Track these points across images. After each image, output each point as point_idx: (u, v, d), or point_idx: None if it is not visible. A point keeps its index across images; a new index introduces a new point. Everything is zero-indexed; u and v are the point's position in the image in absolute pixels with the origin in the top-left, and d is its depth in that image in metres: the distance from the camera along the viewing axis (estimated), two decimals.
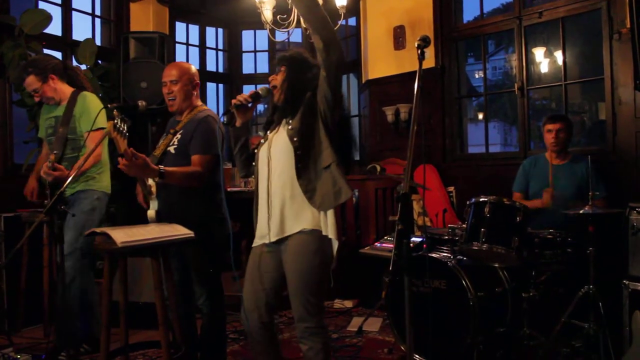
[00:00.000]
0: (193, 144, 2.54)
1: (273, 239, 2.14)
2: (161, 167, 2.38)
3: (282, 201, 2.11)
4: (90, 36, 4.97)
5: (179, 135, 2.60)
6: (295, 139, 2.10)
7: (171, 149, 2.60)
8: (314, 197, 2.08)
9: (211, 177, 2.57)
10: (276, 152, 2.16)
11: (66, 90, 3.26)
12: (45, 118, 3.32)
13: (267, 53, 6.96)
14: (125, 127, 2.26)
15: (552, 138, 3.53)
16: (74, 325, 3.15)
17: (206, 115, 2.60)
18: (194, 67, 2.77)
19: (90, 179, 3.21)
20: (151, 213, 2.55)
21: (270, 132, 2.25)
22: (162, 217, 2.56)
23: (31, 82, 3.17)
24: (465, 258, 3.09)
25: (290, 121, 2.16)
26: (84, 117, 3.15)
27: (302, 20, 4.60)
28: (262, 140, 2.27)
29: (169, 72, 2.66)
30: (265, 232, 2.18)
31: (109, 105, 3.11)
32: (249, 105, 2.27)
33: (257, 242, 2.26)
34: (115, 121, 2.23)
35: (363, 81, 5.83)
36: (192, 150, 2.54)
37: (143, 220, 2.58)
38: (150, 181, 2.55)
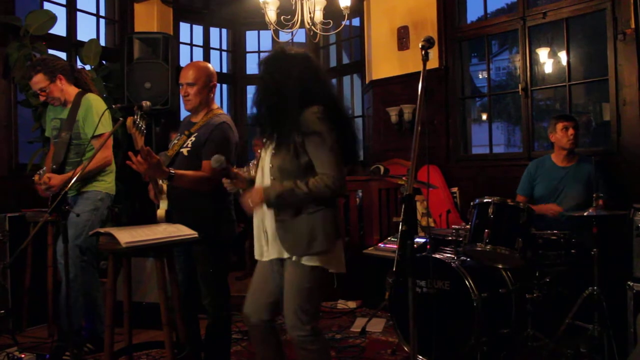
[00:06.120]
0: (206, 149, 2.53)
1: (270, 257, 2.12)
2: (171, 170, 2.38)
3: (273, 224, 2.08)
4: (94, 36, 4.98)
5: (193, 138, 2.60)
6: (272, 178, 2.06)
7: (184, 150, 2.60)
8: (286, 239, 2.03)
9: (221, 180, 2.57)
10: (265, 173, 2.12)
11: (72, 92, 3.26)
12: (52, 118, 3.33)
13: None
14: (144, 125, 2.27)
15: (571, 135, 3.50)
16: (77, 324, 3.16)
17: (222, 122, 2.58)
18: (212, 67, 2.71)
19: (94, 181, 3.21)
20: (161, 213, 2.54)
21: (264, 146, 2.18)
22: (172, 217, 2.55)
23: (39, 80, 3.14)
24: (468, 259, 3.09)
25: (273, 150, 2.07)
26: (88, 121, 3.15)
27: (306, 21, 4.61)
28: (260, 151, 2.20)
29: (185, 73, 2.62)
30: (260, 250, 2.17)
31: (113, 106, 3.13)
32: None
33: (257, 255, 2.23)
34: (135, 117, 2.23)
35: (367, 82, 5.83)
36: (204, 156, 2.53)
37: (147, 220, 2.58)
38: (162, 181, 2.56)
